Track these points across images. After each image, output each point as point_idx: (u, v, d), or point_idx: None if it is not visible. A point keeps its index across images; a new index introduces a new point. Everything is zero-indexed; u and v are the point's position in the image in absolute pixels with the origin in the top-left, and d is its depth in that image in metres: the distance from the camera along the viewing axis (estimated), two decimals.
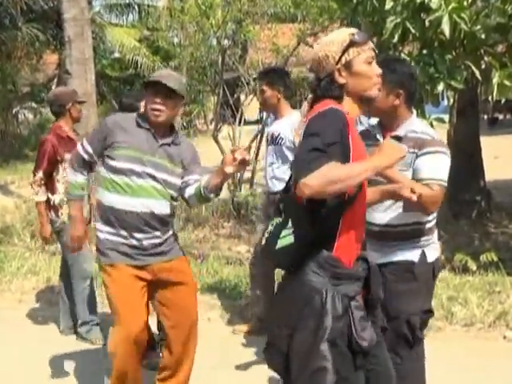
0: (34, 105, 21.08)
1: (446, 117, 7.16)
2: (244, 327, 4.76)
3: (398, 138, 2.91)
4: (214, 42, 10.57)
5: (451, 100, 5.28)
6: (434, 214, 3.04)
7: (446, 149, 2.94)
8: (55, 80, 20.54)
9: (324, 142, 2.03)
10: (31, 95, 21.70)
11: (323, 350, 2.08)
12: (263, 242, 2.29)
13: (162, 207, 3.18)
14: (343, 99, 2.24)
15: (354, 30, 2.26)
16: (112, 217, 3.15)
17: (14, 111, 20.75)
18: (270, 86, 4.31)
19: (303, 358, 2.13)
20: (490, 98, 5.55)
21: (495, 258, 5.73)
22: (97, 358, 4.18)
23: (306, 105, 2.31)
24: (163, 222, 3.22)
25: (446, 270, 5.96)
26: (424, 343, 3.07)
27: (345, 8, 5.78)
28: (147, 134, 3.18)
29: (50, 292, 5.66)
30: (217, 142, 9.04)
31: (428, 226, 2.99)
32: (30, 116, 21.56)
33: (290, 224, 2.21)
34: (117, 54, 24.22)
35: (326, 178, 1.99)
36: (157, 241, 3.22)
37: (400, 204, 2.89)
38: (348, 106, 2.24)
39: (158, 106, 3.11)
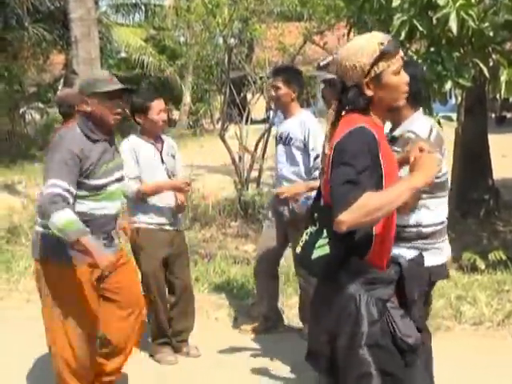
0: (40, 105, 21.13)
1: (454, 115, 7.12)
2: (250, 326, 4.75)
3: (394, 139, 2.93)
4: (221, 40, 10.56)
5: (459, 98, 5.26)
6: (441, 219, 3.02)
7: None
8: (62, 80, 20.57)
9: (357, 171, 2.02)
10: (38, 95, 21.77)
11: (363, 355, 2.10)
12: (298, 250, 2.28)
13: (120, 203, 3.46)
14: (369, 111, 2.19)
15: (383, 39, 2.15)
16: (89, 222, 3.17)
17: (20, 111, 20.80)
18: (286, 84, 4.27)
19: (345, 365, 2.15)
20: (497, 96, 5.54)
21: (504, 257, 5.71)
22: None
23: (331, 113, 2.26)
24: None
25: (453, 269, 5.95)
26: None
27: (351, 6, 5.78)
28: (103, 143, 3.28)
29: None
30: (223, 141, 9.04)
31: (429, 229, 2.96)
32: (37, 116, 21.61)
33: (325, 233, 2.18)
34: (123, 54, 24.29)
35: (362, 211, 1.98)
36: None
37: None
38: (374, 117, 2.21)
39: (120, 110, 3.27)
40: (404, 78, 2.19)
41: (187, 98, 24.64)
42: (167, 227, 4.17)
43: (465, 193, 8.02)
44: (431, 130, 2.94)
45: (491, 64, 5.05)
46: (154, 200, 4.10)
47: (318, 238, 2.19)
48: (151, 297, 4.12)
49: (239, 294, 5.43)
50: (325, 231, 2.19)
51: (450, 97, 5.11)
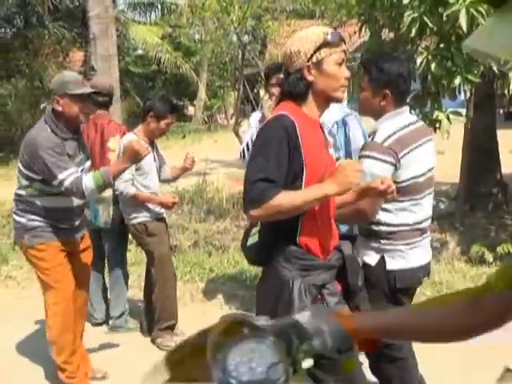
0: None
1: (463, 110, 7.07)
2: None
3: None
4: (234, 37, 10.56)
5: (468, 94, 5.23)
6: (404, 220, 2.78)
7: (375, 152, 2.70)
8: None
9: (270, 164, 2.05)
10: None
11: None
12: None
13: None
14: (307, 99, 2.20)
15: (328, 30, 2.22)
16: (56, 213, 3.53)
17: (41, 107, 20.89)
18: None
19: None
20: (506, 92, 5.48)
21: (511, 250, 5.67)
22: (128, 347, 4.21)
23: (274, 100, 2.31)
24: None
25: (462, 262, 5.92)
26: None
27: (363, 3, 5.75)
28: (71, 141, 3.50)
29: None
30: (237, 135, 9.04)
31: (390, 229, 2.76)
32: None
33: (258, 223, 2.26)
34: (140, 51, 24.35)
35: (274, 210, 2.03)
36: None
37: None
38: (310, 107, 2.22)
39: (88, 111, 3.60)
40: (345, 72, 2.21)
41: (202, 94, 24.68)
42: (164, 216, 4.46)
43: (473, 187, 7.96)
44: (389, 136, 2.73)
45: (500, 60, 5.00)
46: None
47: (253, 227, 2.27)
48: (165, 278, 4.30)
49: (252, 285, 5.43)
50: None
51: (460, 92, 5.07)
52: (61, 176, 3.30)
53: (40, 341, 4.35)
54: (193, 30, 17.31)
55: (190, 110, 27.09)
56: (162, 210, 4.40)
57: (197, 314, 4.87)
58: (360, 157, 2.76)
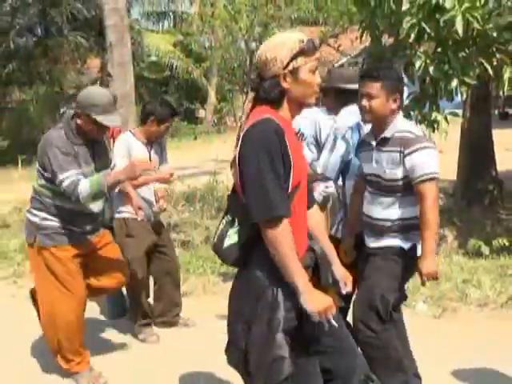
0: None
1: (460, 111, 7.04)
2: None
3: (386, 140, 2.91)
4: (242, 44, 10.54)
5: (464, 95, 5.20)
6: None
7: (429, 143, 2.91)
8: (98, 82, 20.72)
9: (266, 170, 2.01)
10: (76, 96, 21.96)
11: (279, 340, 2.04)
12: (214, 239, 2.26)
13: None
14: (282, 104, 2.14)
15: (303, 37, 2.11)
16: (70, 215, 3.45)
17: (61, 111, 20.98)
18: None
19: (260, 350, 2.07)
20: (501, 93, 5.45)
21: (507, 243, 5.65)
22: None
23: (248, 104, 2.25)
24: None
25: (460, 255, 5.90)
26: (396, 323, 2.99)
27: (364, 11, 5.72)
28: (83, 148, 3.40)
29: None
30: None
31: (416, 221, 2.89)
32: None
33: (236, 223, 2.18)
34: (153, 58, 24.35)
35: (281, 245, 2.01)
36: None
37: (397, 201, 2.90)
38: (285, 112, 2.16)
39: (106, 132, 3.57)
40: (317, 78, 2.15)
41: (212, 98, 24.67)
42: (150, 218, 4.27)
43: (470, 183, 7.93)
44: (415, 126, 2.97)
45: (495, 63, 4.98)
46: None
47: (229, 227, 2.18)
48: (136, 281, 4.11)
49: None
50: (236, 221, 2.18)
51: (456, 94, 5.05)
52: (60, 176, 3.23)
53: None
54: (203, 37, 17.28)
55: (201, 113, 27.08)
56: (147, 212, 4.19)
57: (209, 304, 4.87)
58: (414, 151, 2.81)
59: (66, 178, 3.23)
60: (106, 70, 12.43)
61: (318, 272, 2.26)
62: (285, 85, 2.10)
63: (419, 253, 2.87)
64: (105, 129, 3.41)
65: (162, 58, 22.53)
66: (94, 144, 3.47)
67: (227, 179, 9.49)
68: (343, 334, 2.31)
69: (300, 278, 2.02)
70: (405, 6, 4.95)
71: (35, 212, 3.47)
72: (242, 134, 2.11)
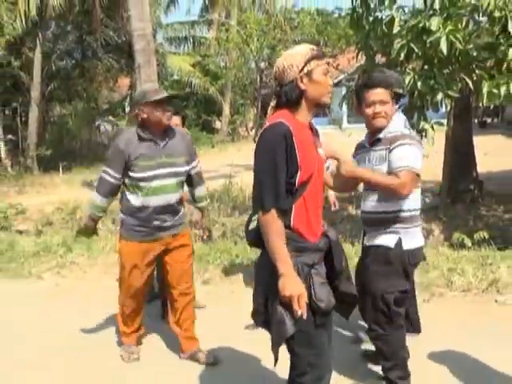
0: (111, 118, 21.42)
1: (444, 121, 7.00)
2: None
3: (379, 140, 2.87)
4: (253, 64, 10.55)
5: (448, 106, 5.17)
6: (414, 206, 2.86)
7: (414, 141, 2.81)
8: (127, 98, 20.82)
9: (272, 170, 2.05)
10: (109, 111, 22.08)
11: (280, 306, 2.07)
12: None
13: (176, 197, 3.35)
14: (300, 105, 2.17)
15: (313, 46, 2.24)
16: (141, 212, 3.28)
17: (96, 124, 21.15)
18: None
19: (272, 316, 2.11)
20: (480, 105, 5.42)
21: (487, 236, 5.61)
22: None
23: (270, 108, 2.24)
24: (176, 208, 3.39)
25: (445, 246, 5.86)
26: (402, 316, 2.95)
27: (359, 33, 5.70)
28: (149, 143, 3.24)
29: None
30: None
31: (405, 214, 2.83)
32: (109, 128, 21.91)
33: None
34: (175, 77, 24.42)
35: (268, 231, 2.07)
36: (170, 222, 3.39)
37: (383, 195, 2.82)
38: (303, 113, 2.18)
39: (169, 113, 3.35)
40: (330, 80, 2.20)
41: (226, 111, 24.69)
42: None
43: (454, 184, 7.89)
44: (406, 128, 2.89)
45: (475, 78, 4.95)
46: None
47: (254, 214, 2.22)
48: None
49: None
50: None
51: (441, 105, 5.02)
52: (103, 168, 3.28)
53: (99, 316, 4.41)
54: (219, 58, 17.34)
55: (217, 124, 27.12)
56: None
57: (225, 292, 4.88)
58: (396, 146, 2.76)
59: (103, 171, 3.26)
60: (134, 87, 12.48)
61: (331, 257, 2.26)
62: (302, 86, 2.14)
63: (405, 247, 2.81)
64: (166, 110, 3.26)
65: (183, 77, 22.59)
66: (168, 141, 3.31)
67: (241, 182, 9.52)
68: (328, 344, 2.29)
69: (283, 263, 2.04)
70: (395, 29, 4.95)
71: (121, 208, 3.40)
72: (260, 135, 2.15)
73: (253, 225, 2.22)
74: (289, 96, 2.15)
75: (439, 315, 4.04)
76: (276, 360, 2.17)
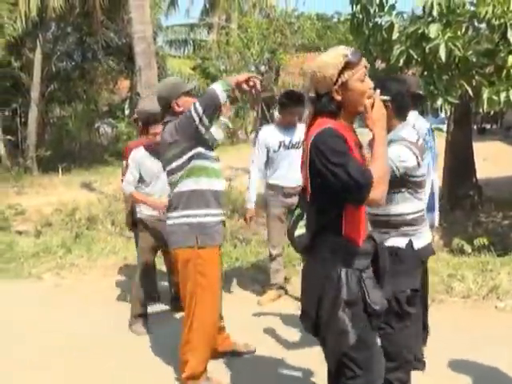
0: (111, 120, 21.40)
1: (444, 126, 7.04)
2: (270, 295, 4.73)
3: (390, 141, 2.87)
4: (253, 68, 10.58)
5: (448, 112, 5.20)
6: (419, 207, 2.87)
7: (404, 141, 2.74)
8: (127, 101, 20.84)
9: (344, 161, 1.97)
10: (109, 113, 22.05)
11: (342, 316, 2.05)
12: (287, 228, 2.30)
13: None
14: (339, 114, 2.10)
15: (347, 51, 2.05)
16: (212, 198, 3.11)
17: (96, 126, 21.13)
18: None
19: (328, 323, 2.09)
20: (480, 111, 5.45)
21: (486, 242, 5.62)
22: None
23: (307, 117, 2.19)
24: None
25: (445, 252, 5.88)
26: (413, 316, 2.94)
27: (359, 39, 5.74)
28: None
29: (127, 268, 5.75)
30: None
31: (411, 217, 2.84)
32: (109, 129, 21.92)
33: (305, 217, 2.22)
34: None
35: (383, 180, 2.00)
36: None
37: (389, 198, 2.73)
38: (345, 118, 2.11)
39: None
40: (368, 84, 2.09)
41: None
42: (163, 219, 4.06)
43: (454, 190, 7.91)
44: (418, 137, 2.83)
45: (474, 84, 4.98)
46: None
47: (299, 220, 2.21)
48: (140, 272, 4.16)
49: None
50: (305, 215, 2.21)
51: (441, 111, 5.05)
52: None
53: (98, 316, 4.42)
54: (219, 61, 17.36)
55: None
56: (160, 215, 4.04)
57: (225, 294, 4.90)
58: (393, 141, 2.73)
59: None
60: (134, 90, 12.50)
61: (376, 260, 2.23)
62: (338, 98, 2.07)
63: (416, 247, 2.82)
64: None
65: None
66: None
67: (240, 185, 9.53)
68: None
69: (382, 148, 2.07)
70: (395, 35, 4.99)
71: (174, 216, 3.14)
72: (309, 143, 2.06)
73: (300, 231, 2.19)
74: (325, 107, 2.09)
75: (439, 321, 4.06)
76: (332, 371, 2.16)
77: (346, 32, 8.62)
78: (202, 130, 2.96)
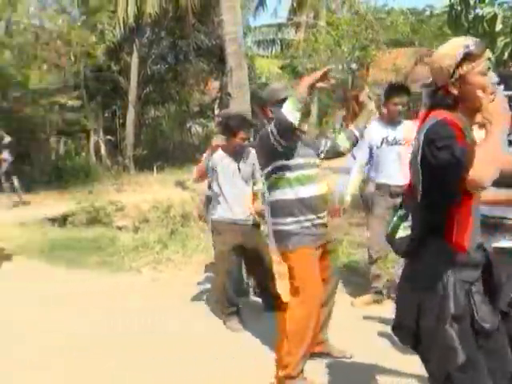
0: (202, 120, 22.04)
1: None
2: (365, 298, 4.63)
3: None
4: (340, 66, 10.46)
5: None
6: None
7: None
8: (217, 101, 21.37)
9: (455, 148, 1.81)
10: (200, 113, 22.75)
11: (449, 331, 1.86)
12: (387, 230, 2.13)
13: None
14: (457, 108, 1.93)
15: (469, 42, 1.90)
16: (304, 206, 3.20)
17: (187, 126, 21.86)
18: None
19: (432, 337, 1.90)
20: None
21: None
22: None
23: (424, 106, 2.03)
24: None
25: None
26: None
27: (458, 32, 5.48)
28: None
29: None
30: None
31: None
32: (200, 129, 22.59)
33: (409, 218, 2.04)
34: (264, 79, 24.71)
35: (487, 163, 1.77)
36: None
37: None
38: (463, 114, 1.95)
39: None
40: (490, 78, 1.91)
41: (314, 112, 24.59)
42: (239, 222, 4.20)
43: None
44: None
45: None
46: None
47: (403, 221, 2.05)
48: (217, 273, 4.29)
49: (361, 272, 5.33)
50: (409, 216, 2.04)
51: None
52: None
53: (99, 316, 4.53)
54: (306, 60, 17.35)
55: (305, 126, 27.08)
56: (235, 217, 4.17)
57: None
58: None
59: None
60: (224, 90, 12.81)
61: (490, 271, 2.03)
62: (454, 92, 1.93)
63: None
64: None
65: (271, 79, 22.79)
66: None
67: (328, 184, 9.41)
68: (503, 344, 2.04)
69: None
70: (498, 27, 4.74)
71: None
72: (422, 135, 1.92)
73: (402, 233, 2.05)
74: (441, 101, 1.96)
75: None
76: None
77: (443, 25, 8.25)
78: (280, 148, 3.06)
